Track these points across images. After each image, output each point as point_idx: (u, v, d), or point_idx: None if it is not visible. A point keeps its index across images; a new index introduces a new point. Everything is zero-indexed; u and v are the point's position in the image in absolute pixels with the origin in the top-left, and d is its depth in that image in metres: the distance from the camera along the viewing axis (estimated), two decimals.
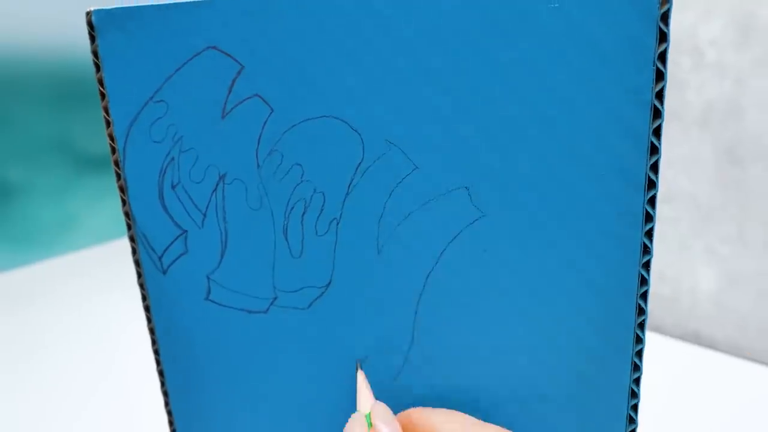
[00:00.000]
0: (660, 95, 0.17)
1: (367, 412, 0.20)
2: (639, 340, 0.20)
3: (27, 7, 0.69)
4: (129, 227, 0.23)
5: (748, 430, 0.37)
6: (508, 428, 0.22)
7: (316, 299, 0.22)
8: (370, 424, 0.20)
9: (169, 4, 0.20)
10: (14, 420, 0.42)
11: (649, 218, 0.18)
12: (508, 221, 0.19)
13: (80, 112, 0.77)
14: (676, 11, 0.45)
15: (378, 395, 0.22)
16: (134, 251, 0.24)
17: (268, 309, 0.23)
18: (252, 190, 0.21)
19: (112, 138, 0.22)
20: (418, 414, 0.21)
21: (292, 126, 0.20)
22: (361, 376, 0.22)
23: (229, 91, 0.21)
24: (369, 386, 0.22)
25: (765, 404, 0.40)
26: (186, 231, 0.22)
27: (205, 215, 0.22)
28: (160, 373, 0.25)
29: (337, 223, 0.21)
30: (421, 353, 0.22)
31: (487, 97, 0.18)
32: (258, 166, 0.21)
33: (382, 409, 0.20)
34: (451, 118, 0.19)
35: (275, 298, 0.22)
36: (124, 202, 0.23)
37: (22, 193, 0.73)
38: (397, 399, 0.22)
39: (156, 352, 0.25)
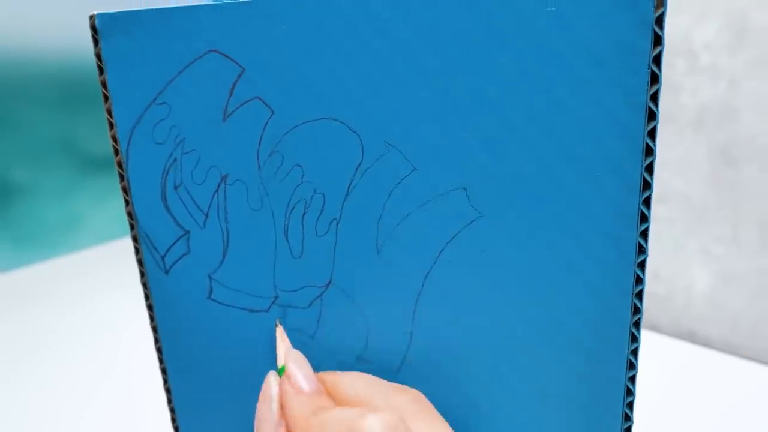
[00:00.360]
0: (655, 97, 0.17)
1: (282, 365, 0.20)
2: (634, 339, 0.20)
3: (31, 10, 0.69)
4: (132, 227, 0.24)
5: (742, 427, 0.38)
6: (508, 427, 0.22)
7: (316, 298, 0.22)
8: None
9: (171, 7, 0.20)
10: (18, 419, 0.42)
11: (644, 219, 0.19)
12: (505, 222, 0.20)
13: (84, 113, 0.77)
14: (670, 15, 0.45)
15: None
16: (137, 251, 0.24)
17: (269, 308, 0.23)
18: (253, 191, 0.22)
19: (115, 140, 0.23)
20: (325, 377, 0.21)
21: (293, 128, 0.21)
22: (279, 331, 0.22)
23: (231, 94, 0.21)
24: (286, 339, 0.21)
25: (759, 402, 0.40)
26: (188, 231, 0.23)
27: (207, 216, 0.22)
28: (163, 371, 0.25)
29: (337, 224, 0.21)
30: (419, 353, 0.22)
31: (485, 99, 0.19)
32: (259, 167, 0.21)
33: (295, 355, 0.20)
34: (448, 119, 0.19)
35: (276, 297, 0.23)
36: (127, 202, 0.23)
37: (26, 193, 0.73)
38: None
39: (159, 350, 0.25)
